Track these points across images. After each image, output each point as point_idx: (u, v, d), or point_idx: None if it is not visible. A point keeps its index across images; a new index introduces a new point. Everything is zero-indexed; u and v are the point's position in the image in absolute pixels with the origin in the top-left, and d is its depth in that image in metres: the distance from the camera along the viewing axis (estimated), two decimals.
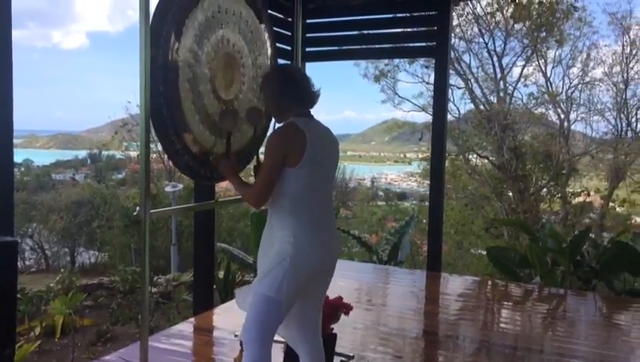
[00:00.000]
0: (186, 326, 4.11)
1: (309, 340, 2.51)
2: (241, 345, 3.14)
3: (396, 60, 12.35)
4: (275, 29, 3.37)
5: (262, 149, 3.06)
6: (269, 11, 3.35)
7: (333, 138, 2.51)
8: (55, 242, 15.28)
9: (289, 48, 5.13)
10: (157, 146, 14.03)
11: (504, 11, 11.69)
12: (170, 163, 15.26)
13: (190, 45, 2.58)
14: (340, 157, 2.59)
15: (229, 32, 2.83)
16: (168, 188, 12.38)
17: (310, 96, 2.44)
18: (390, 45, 6.02)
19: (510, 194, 12.04)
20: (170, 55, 2.48)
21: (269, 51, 3.20)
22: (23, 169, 24.29)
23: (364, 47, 6.09)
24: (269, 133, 3.03)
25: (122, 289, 8.03)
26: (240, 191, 2.55)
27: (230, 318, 4.09)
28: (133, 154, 17.82)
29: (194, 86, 2.63)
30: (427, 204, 6.09)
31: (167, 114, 2.49)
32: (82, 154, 32.79)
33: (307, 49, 5.48)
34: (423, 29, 5.67)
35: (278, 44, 3.42)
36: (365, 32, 5.90)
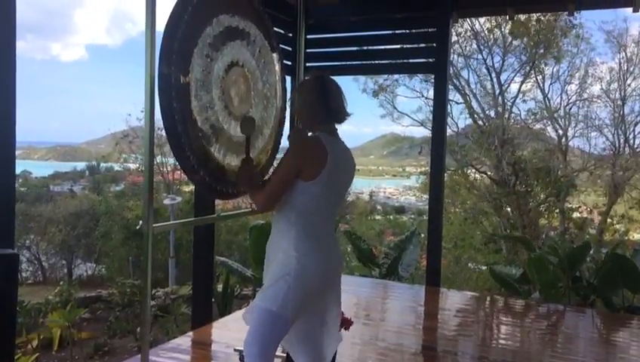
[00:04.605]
0: (185, 340, 4.09)
1: (311, 355, 2.50)
2: (241, 359, 3.14)
3: (395, 75, 12.43)
4: None
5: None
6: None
7: (352, 159, 2.51)
8: (52, 254, 15.25)
9: (289, 63, 5.18)
10: (156, 159, 14.12)
11: (502, 28, 11.80)
12: (169, 176, 15.40)
13: (201, 63, 2.60)
14: (352, 175, 2.57)
15: (238, 50, 2.85)
16: (167, 201, 12.38)
17: (343, 113, 2.44)
18: (390, 61, 6.07)
19: (509, 209, 12.06)
20: (182, 72, 2.50)
21: (277, 67, 3.23)
22: (21, 180, 24.27)
23: (364, 62, 6.14)
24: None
25: (120, 302, 8.02)
26: (250, 193, 2.55)
27: (229, 332, 4.09)
28: (133, 166, 17.87)
29: (207, 102, 2.64)
30: (425, 218, 6.09)
31: (182, 130, 2.50)
32: (81, 165, 32.80)
33: (307, 64, 5.53)
34: (423, 45, 5.72)
35: None
36: (365, 47, 5.96)
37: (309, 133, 2.49)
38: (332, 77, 2.50)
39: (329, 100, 2.40)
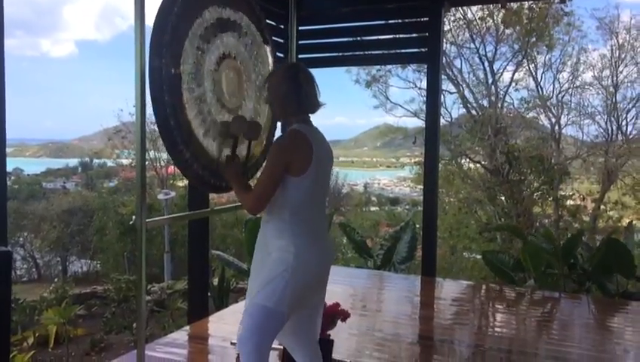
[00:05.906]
0: (181, 335, 4.09)
1: (307, 347, 2.50)
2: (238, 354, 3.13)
3: (388, 66, 12.39)
4: None
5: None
6: None
7: (329, 145, 2.49)
8: (47, 251, 15.18)
9: (282, 56, 5.15)
10: (149, 154, 14.07)
11: (495, 16, 11.77)
12: (163, 171, 15.35)
13: (193, 55, 2.57)
14: (332, 163, 2.55)
15: (230, 41, 2.83)
16: (161, 196, 12.34)
17: (315, 104, 2.41)
18: (383, 51, 6.05)
19: (503, 198, 12.10)
20: (173, 64, 2.47)
21: (270, 59, 3.20)
22: (12, 178, 24.11)
23: (356, 53, 6.12)
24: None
25: (116, 297, 8.02)
26: (239, 196, 2.50)
27: (225, 326, 4.09)
28: (125, 161, 17.81)
29: (198, 95, 2.62)
30: (420, 208, 6.10)
31: (174, 124, 2.47)
32: (73, 162, 32.64)
33: (299, 56, 5.50)
34: (415, 35, 5.70)
35: None
36: (358, 38, 5.93)
37: (281, 124, 2.47)
38: (308, 67, 2.44)
39: (300, 92, 2.35)
